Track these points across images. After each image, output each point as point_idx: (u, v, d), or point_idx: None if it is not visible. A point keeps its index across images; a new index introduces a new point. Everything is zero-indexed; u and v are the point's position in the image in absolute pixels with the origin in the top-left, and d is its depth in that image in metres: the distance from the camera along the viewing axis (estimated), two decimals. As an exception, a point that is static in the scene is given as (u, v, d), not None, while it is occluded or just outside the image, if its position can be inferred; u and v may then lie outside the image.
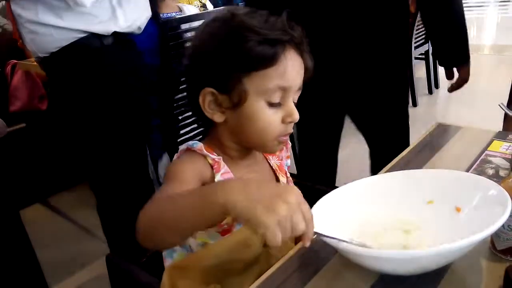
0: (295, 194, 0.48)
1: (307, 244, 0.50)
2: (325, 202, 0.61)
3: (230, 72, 0.63)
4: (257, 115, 0.64)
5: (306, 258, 0.60)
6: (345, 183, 0.64)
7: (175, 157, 0.71)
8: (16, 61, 2.37)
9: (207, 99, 0.65)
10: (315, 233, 0.50)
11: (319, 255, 0.59)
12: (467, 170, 0.74)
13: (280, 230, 0.46)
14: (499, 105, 0.86)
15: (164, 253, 0.72)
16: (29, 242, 1.46)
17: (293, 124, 0.66)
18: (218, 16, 0.66)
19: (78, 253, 1.95)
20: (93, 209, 2.26)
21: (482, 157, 0.79)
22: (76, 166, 2.42)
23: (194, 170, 0.65)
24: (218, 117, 0.67)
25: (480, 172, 0.74)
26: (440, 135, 0.91)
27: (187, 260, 0.65)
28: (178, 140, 1.80)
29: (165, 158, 1.82)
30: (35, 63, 2.24)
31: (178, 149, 1.90)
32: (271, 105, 0.64)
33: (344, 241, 0.51)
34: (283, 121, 0.65)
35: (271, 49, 0.61)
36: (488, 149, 0.82)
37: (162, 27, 1.59)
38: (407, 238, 0.57)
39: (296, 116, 0.65)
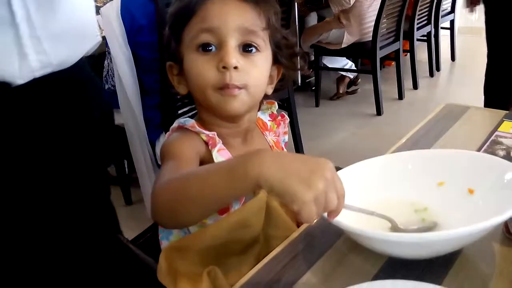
0: (331, 169, 0.46)
1: (332, 220, 0.48)
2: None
3: (171, 38, 0.65)
4: (191, 67, 0.63)
5: (311, 240, 0.58)
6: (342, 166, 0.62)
7: (166, 135, 0.69)
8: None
9: (173, 74, 0.68)
10: (344, 206, 0.48)
11: (324, 237, 0.57)
12: (477, 151, 0.72)
13: (315, 207, 0.44)
14: None
15: (161, 235, 0.70)
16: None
17: (235, 73, 0.60)
18: None
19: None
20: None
21: (492, 138, 0.77)
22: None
23: (191, 147, 0.63)
24: (182, 89, 0.67)
25: (491, 153, 0.71)
26: (448, 115, 0.88)
27: (184, 241, 0.64)
28: (176, 119, 1.77)
29: (163, 138, 1.80)
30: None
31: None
32: (204, 52, 0.61)
33: (372, 213, 0.49)
34: (218, 67, 0.61)
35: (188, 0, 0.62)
36: (498, 129, 0.79)
37: (159, 3, 1.55)
38: (420, 218, 0.55)
39: (228, 59, 0.59)
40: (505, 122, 0.82)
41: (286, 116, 0.79)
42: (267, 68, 0.67)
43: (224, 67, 0.60)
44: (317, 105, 3.06)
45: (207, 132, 0.64)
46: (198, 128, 0.64)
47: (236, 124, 0.68)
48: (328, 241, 0.56)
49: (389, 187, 0.59)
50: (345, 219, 0.48)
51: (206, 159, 0.64)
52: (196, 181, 0.51)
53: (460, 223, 0.46)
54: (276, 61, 0.68)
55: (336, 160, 1.90)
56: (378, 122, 2.79)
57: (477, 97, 2.95)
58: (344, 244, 0.56)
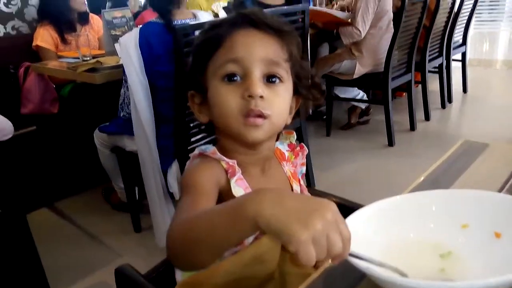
0: (333, 210, 0.44)
1: (336, 263, 0.46)
2: (350, 221, 0.57)
3: (196, 68, 0.67)
4: (216, 95, 0.64)
5: (331, 281, 0.56)
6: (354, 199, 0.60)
7: (188, 163, 0.69)
8: (29, 64, 2.37)
9: (194, 103, 0.69)
10: (350, 254, 0.46)
11: (345, 279, 0.55)
12: (500, 190, 0.70)
13: (315, 249, 0.42)
14: None
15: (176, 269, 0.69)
16: (34, 246, 1.44)
17: (260, 101, 0.61)
18: None
19: (84, 259, 1.93)
20: (101, 215, 2.26)
21: (514, 177, 0.75)
22: (85, 172, 2.41)
23: (211, 177, 0.63)
24: (203, 118, 0.69)
25: (515, 193, 0.70)
26: (467, 152, 0.87)
27: (198, 276, 0.62)
28: (189, 147, 1.77)
29: (175, 166, 1.80)
30: (49, 66, 2.26)
31: (188, 157, 1.88)
32: (229, 82, 0.63)
33: (386, 266, 0.47)
34: (243, 96, 0.62)
35: (216, 31, 0.65)
36: (520, 167, 0.77)
37: (176, 34, 1.58)
38: (443, 264, 0.53)
39: (253, 89, 0.61)
40: (527, 160, 0.81)
41: (305, 147, 0.79)
42: (289, 99, 0.68)
43: (249, 96, 0.61)
44: (328, 134, 3.06)
45: (228, 160, 0.65)
46: (219, 155, 0.65)
47: (255, 152, 0.68)
48: (349, 284, 0.54)
49: (411, 228, 0.57)
50: (377, 257, 0.46)
51: (225, 189, 0.64)
52: (203, 223, 0.50)
53: (488, 268, 0.44)
54: (295, 92, 0.70)
55: (348, 191, 1.91)
56: (390, 153, 2.77)
57: (490, 129, 2.94)
58: (368, 286, 0.54)
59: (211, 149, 0.66)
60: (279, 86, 0.65)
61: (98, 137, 2.05)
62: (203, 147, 0.67)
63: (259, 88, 0.62)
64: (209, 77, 0.65)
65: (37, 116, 2.39)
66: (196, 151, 0.67)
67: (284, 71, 0.65)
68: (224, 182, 0.64)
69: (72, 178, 2.43)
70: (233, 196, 0.64)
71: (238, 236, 0.48)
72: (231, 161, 0.65)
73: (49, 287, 1.52)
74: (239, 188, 0.64)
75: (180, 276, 0.67)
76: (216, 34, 0.65)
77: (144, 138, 1.74)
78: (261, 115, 0.62)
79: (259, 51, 0.63)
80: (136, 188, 2.05)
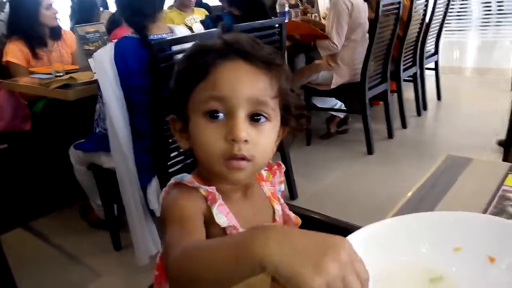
0: (347, 249, 0.40)
1: None
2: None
3: (177, 95, 0.64)
4: (197, 132, 0.61)
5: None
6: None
7: (163, 193, 0.65)
8: (0, 80, 2.29)
9: (176, 126, 0.66)
10: None
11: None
12: (486, 208, 0.71)
13: None
14: None
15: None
16: (9, 269, 1.38)
17: (244, 145, 0.58)
18: None
19: (62, 281, 1.86)
20: (78, 234, 2.19)
21: (499, 193, 0.76)
22: (60, 189, 2.33)
23: (193, 206, 0.60)
24: (183, 144, 0.66)
25: (501, 210, 0.70)
26: (451, 168, 0.87)
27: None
28: (168, 163, 1.74)
29: (155, 182, 1.76)
30: (20, 83, 2.19)
31: (168, 172, 1.84)
32: (212, 120, 0.59)
33: None
34: (226, 138, 0.59)
35: (201, 60, 0.61)
36: (504, 184, 0.78)
37: (152, 49, 1.56)
38: (435, 288, 0.52)
39: (237, 133, 0.57)
40: (510, 175, 0.81)
41: (283, 165, 0.77)
42: (275, 136, 0.65)
43: (233, 140, 0.58)
44: (308, 144, 3.07)
45: (206, 187, 0.62)
46: (196, 184, 0.62)
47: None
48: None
49: (402, 252, 0.56)
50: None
51: (207, 216, 0.61)
52: (200, 259, 0.47)
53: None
54: (283, 122, 0.66)
55: (330, 200, 1.92)
56: (369, 161, 2.80)
57: (464, 135, 3.02)
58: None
59: (187, 177, 0.63)
60: (265, 125, 0.61)
61: (74, 154, 1.99)
62: (178, 176, 0.64)
63: (243, 131, 0.58)
64: (190, 109, 0.62)
65: (9, 134, 2.31)
66: (172, 180, 0.64)
67: (271, 109, 0.62)
68: (205, 210, 0.61)
69: (48, 196, 2.35)
70: (216, 224, 0.61)
71: (242, 277, 0.44)
72: (209, 188, 0.62)
73: (25, 313, 1.46)
74: (220, 214, 0.62)
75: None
76: (201, 64, 0.60)
77: (121, 154, 1.70)
78: (245, 158, 0.59)
79: (245, 90, 0.59)
80: (115, 205, 2.00)
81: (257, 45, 0.63)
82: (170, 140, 1.71)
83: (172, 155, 1.74)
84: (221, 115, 0.59)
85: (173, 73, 0.66)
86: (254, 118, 0.60)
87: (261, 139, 0.61)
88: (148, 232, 1.79)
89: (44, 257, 2.05)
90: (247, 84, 0.59)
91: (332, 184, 2.55)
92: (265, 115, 0.61)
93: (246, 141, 0.59)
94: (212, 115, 0.59)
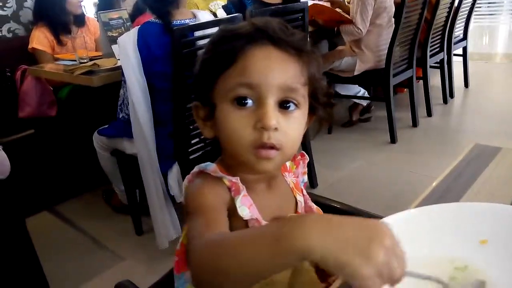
0: (390, 235, 0.40)
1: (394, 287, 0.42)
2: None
3: (203, 82, 0.61)
4: (224, 120, 0.58)
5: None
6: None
7: (186, 180, 0.64)
8: (26, 67, 2.34)
9: (200, 114, 0.64)
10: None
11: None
12: (515, 200, 0.68)
13: (378, 279, 0.39)
14: None
15: (176, 283, 0.66)
16: (34, 251, 1.42)
17: (273, 134, 0.56)
18: None
19: (85, 263, 1.91)
20: (101, 218, 2.24)
21: (529, 183, 0.73)
22: (84, 174, 2.39)
23: (217, 196, 0.59)
24: (207, 132, 0.63)
25: (531, 202, 0.67)
26: (479, 157, 0.84)
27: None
28: (189, 150, 1.75)
29: (175, 168, 1.78)
30: (46, 69, 2.23)
31: (188, 158, 1.84)
32: (240, 107, 0.57)
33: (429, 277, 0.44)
34: (255, 126, 0.57)
35: (228, 45, 0.58)
36: (535, 174, 0.75)
37: (175, 34, 1.55)
38: (456, 274, 0.50)
39: (267, 121, 0.55)
40: (540, 165, 0.78)
41: (306, 156, 0.76)
42: (304, 125, 0.63)
43: (262, 127, 0.56)
44: (330, 132, 3.03)
45: (230, 178, 0.61)
46: (220, 173, 0.60)
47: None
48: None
49: (424, 243, 0.54)
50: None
51: (230, 208, 0.60)
52: (229, 252, 0.45)
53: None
54: (310, 110, 0.64)
55: (351, 189, 1.89)
56: (392, 150, 2.75)
57: (492, 124, 2.92)
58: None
59: (211, 166, 0.61)
60: (295, 112, 0.59)
61: (97, 140, 2.02)
62: (203, 164, 0.62)
63: (273, 119, 0.56)
64: (218, 96, 0.60)
65: (35, 120, 2.36)
66: (196, 169, 0.63)
67: (301, 96, 0.60)
68: (228, 201, 0.60)
69: (72, 180, 2.41)
70: (238, 216, 0.60)
71: (279, 268, 0.43)
72: (233, 179, 0.61)
73: (50, 292, 1.51)
74: (243, 207, 0.61)
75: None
76: (229, 49, 0.58)
77: (143, 141, 1.71)
78: (274, 147, 0.57)
79: (276, 77, 0.57)
80: (137, 190, 2.03)
81: (287, 30, 0.61)
82: (191, 127, 1.72)
83: (193, 142, 1.75)
84: (249, 102, 0.57)
85: (197, 59, 0.65)
86: (284, 105, 0.59)
87: (291, 127, 0.59)
88: (169, 217, 1.81)
89: (68, 240, 2.11)
90: (278, 71, 0.57)
91: (353, 173, 2.51)
92: (295, 102, 0.59)
93: (276, 129, 0.57)
94: (240, 102, 0.57)
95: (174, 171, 1.77)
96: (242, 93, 0.57)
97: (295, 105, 0.59)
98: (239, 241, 0.46)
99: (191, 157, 1.75)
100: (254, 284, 0.46)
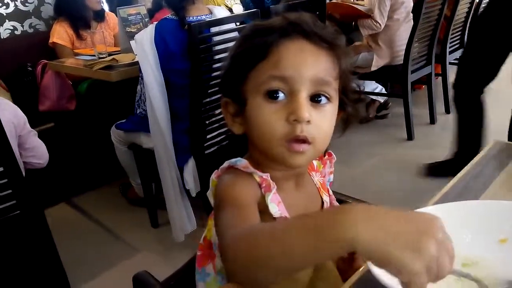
0: (442, 227, 0.39)
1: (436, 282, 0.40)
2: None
3: (234, 77, 0.61)
4: (256, 114, 0.58)
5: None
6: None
7: (213, 175, 0.64)
8: (46, 61, 2.39)
9: (228, 110, 0.63)
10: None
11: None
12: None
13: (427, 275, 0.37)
14: None
15: (197, 277, 0.67)
16: (52, 241, 1.46)
17: (306, 126, 0.56)
18: None
19: (102, 255, 1.95)
20: (118, 210, 2.28)
21: (551, 183, 0.71)
22: (102, 167, 2.42)
23: (248, 191, 0.59)
24: (237, 129, 0.63)
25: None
26: (498, 154, 0.82)
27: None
28: (205, 144, 1.76)
29: (191, 163, 1.79)
30: (66, 64, 2.27)
31: (204, 153, 1.86)
32: (273, 100, 0.57)
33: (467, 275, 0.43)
34: (288, 119, 0.56)
35: (262, 39, 0.58)
36: (557, 173, 0.73)
37: (190, 31, 1.56)
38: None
39: (300, 113, 0.55)
40: None
41: (333, 155, 0.75)
42: (335, 119, 0.62)
43: (295, 120, 0.56)
44: (345, 128, 3.01)
45: (261, 174, 0.60)
46: (251, 169, 0.60)
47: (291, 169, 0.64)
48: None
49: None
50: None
51: (260, 204, 0.60)
52: (272, 241, 0.44)
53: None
54: (339, 106, 0.63)
55: (367, 186, 1.86)
56: (409, 147, 2.71)
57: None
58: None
59: (242, 162, 0.60)
60: (327, 106, 0.59)
61: (115, 134, 2.05)
62: (233, 160, 0.61)
63: (307, 112, 0.56)
64: (249, 90, 0.60)
65: (55, 113, 2.41)
66: (226, 164, 0.63)
67: (333, 90, 0.60)
68: (259, 198, 0.60)
69: (90, 173, 2.45)
70: (268, 212, 0.60)
71: (323, 257, 0.43)
72: (264, 175, 0.60)
73: (68, 282, 1.54)
74: (273, 204, 0.60)
75: (201, 286, 0.65)
76: (261, 44, 0.58)
77: (160, 135, 1.73)
78: (306, 141, 0.57)
79: (309, 70, 0.57)
80: (153, 184, 2.06)
81: (319, 24, 0.60)
82: (207, 122, 1.73)
83: (208, 136, 1.76)
84: (281, 95, 0.57)
85: (227, 55, 0.64)
86: (316, 99, 0.58)
87: (323, 120, 0.59)
88: (184, 210, 1.83)
89: (85, 231, 2.15)
90: (311, 64, 0.57)
91: (369, 170, 2.49)
92: (327, 95, 0.59)
93: (308, 121, 0.56)
94: (272, 95, 0.57)
95: (190, 166, 1.79)
96: (275, 86, 0.57)
97: (327, 98, 0.59)
98: (282, 231, 0.45)
99: (206, 151, 1.76)
100: (293, 273, 0.46)
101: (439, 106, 3.08)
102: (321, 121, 0.58)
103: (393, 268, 0.37)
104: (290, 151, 0.57)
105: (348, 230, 0.38)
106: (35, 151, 1.50)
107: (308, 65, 0.57)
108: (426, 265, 0.37)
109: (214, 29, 1.68)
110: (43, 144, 1.54)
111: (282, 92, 0.57)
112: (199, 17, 1.73)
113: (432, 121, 2.97)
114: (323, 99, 0.59)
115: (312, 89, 0.57)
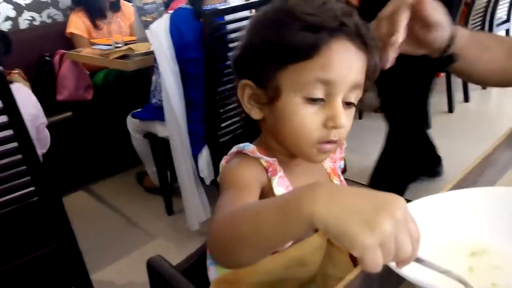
0: (403, 207, 0.38)
1: (401, 268, 0.41)
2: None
3: (266, 63, 0.57)
4: (291, 113, 0.57)
5: (369, 284, 0.54)
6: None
7: (223, 160, 0.65)
8: (64, 51, 2.42)
9: (246, 93, 0.61)
10: (417, 259, 0.40)
11: (383, 281, 0.53)
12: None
13: (382, 252, 0.37)
14: None
15: (208, 261, 0.68)
16: (70, 227, 1.49)
17: (338, 130, 0.56)
18: (274, 3, 0.60)
19: (118, 241, 1.99)
20: (134, 198, 2.32)
21: None
22: (118, 155, 2.46)
23: (253, 175, 0.60)
24: (255, 114, 0.61)
25: None
26: (515, 143, 0.81)
27: (236, 273, 0.61)
28: (219, 133, 1.77)
29: (205, 151, 1.81)
30: (83, 54, 2.30)
31: (218, 142, 1.86)
32: (311, 102, 0.56)
33: (448, 272, 0.42)
34: (325, 124, 0.56)
35: (312, 37, 0.54)
36: None
37: (205, 20, 1.56)
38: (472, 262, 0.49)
39: (339, 120, 0.55)
40: None
41: (344, 142, 0.76)
42: None
43: (333, 127, 0.56)
44: (360, 117, 2.98)
45: (268, 158, 0.61)
46: (258, 154, 0.61)
47: None
48: (388, 286, 0.52)
49: (454, 226, 0.53)
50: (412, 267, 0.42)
51: (267, 188, 0.61)
52: (247, 219, 0.46)
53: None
54: None
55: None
56: (426, 136, 2.67)
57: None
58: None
59: (250, 147, 0.61)
60: (352, 108, 0.60)
61: (131, 123, 2.08)
62: (241, 145, 0.62)
63: (344, 118, 0.56)
64: (286, 84, 0.57)
65: (72, 103, 2.45)
66: (234, 149, 0.63)
67: (361, 91, 0.59)
68: (265, 181, 0.61)
69: (107, 161, 2.50)
70: (274, 196, 0.60)
71: (289, 236, 0.43)
72: (271, 159, 0.61)
73: (86, 268, 1.58)
74: (280, 187, 0.61)
75: (214, 273, 0.66)
76: (312, 43, 0.54)
77: (175, 124, 1.75)
78: (335, 141, 0.58)
79: (352, 75, 0.56)
80: (168, 172, 2.08)
81: (365, 25, 0.58)
82: (221, 111, 1.73)
83: (222, 125, 1.77)
84: (320, 97, 0.56)
85: (248, 34, 0.61)
86: (347, 104, 0.58)
87: (349, 120, 0.60)
88: (199, 198, 1.85)
89: (102, 218, 2.19)
90: (353, 69, 0.56)
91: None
92: (357, 99, 0.59)
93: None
94: (316, 101, 0.56)
95: (204, 154, 1.80)
96: (319, 91, 0.55)
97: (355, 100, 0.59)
98: (257, 209, 0.46)
99: (221, 140, 1.77)
100: (266, 254, 0.47)
101: (458, 95, 3.02)
102: (348, 121, 0.59)
103: (347, 243, 0.37)
104: (321, 151, 0.59)
105: (309, 206, 0.39)
106: (42, 141, 1.55)
107: (351, 69, 0.56)
108: (379, 242, 0.36)
109: (228, 17, 1.67)
110: (49, 134, 1.58)
111: (321, 94, 0.56)
112: (213, 5, 1.72)
113: (450, 109, 2.91)
114: (353, 103, 0.59)
115: (348, 92, 0.57)
